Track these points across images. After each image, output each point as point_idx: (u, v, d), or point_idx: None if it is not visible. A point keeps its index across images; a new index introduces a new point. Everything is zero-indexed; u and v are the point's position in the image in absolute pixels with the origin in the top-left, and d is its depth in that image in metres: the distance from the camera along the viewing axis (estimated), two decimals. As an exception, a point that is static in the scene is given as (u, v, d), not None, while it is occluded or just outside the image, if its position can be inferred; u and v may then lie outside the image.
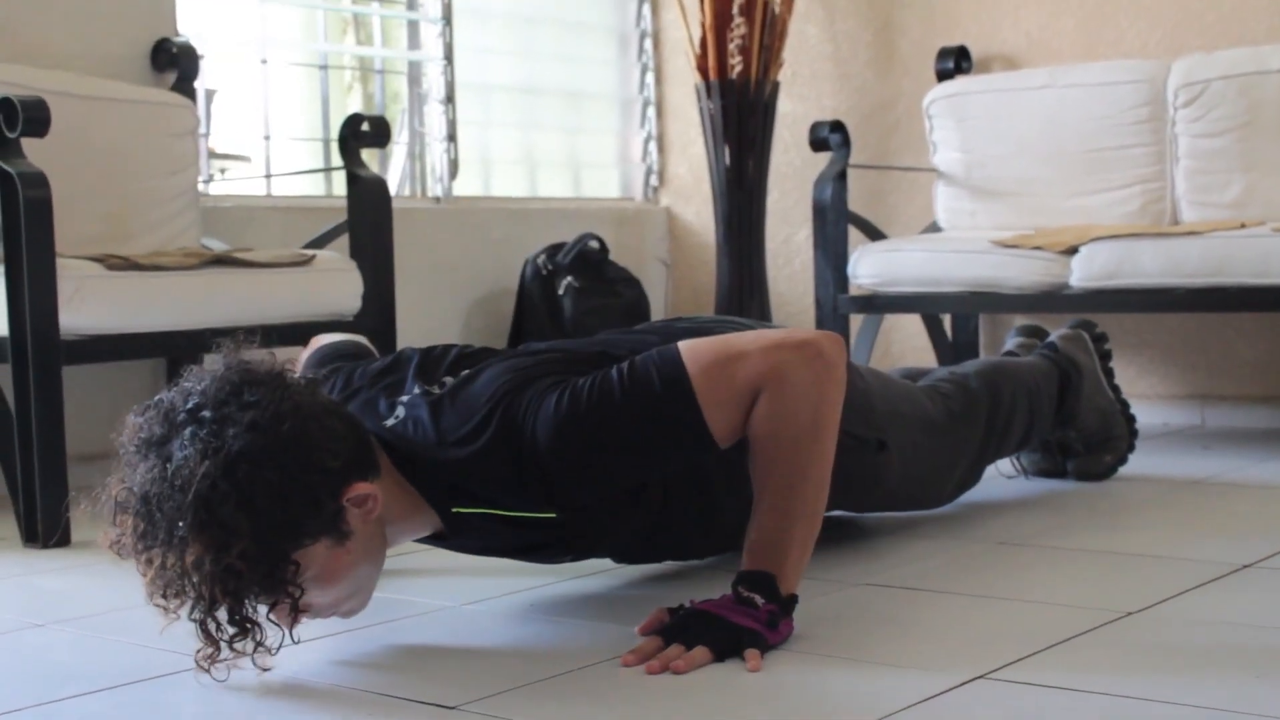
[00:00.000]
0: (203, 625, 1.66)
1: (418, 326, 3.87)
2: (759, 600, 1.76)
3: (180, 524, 1.62)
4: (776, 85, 4.34)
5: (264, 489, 1.64)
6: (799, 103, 4.54)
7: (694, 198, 4.83)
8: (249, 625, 1.67)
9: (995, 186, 3.98)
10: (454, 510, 1.85)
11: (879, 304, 3.81)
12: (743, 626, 1.73)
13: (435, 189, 4.32)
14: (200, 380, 1.71)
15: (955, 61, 4.16)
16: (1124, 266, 3.34)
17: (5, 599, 2.22)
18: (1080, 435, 2.91)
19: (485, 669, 1.76)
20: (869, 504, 2.45)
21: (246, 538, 1.62)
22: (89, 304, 2.68)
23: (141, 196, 3.31)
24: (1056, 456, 2.97)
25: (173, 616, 1.67)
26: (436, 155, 4.31)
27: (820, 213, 3.80)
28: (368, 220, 3.24)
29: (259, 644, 1.69)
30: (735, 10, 4.24)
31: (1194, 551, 2.28)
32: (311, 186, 4.13)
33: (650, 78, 4.90)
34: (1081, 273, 3.40)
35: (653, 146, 4.91)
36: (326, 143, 4.06)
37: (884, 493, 2.39)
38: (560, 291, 4.14)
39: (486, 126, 4.54)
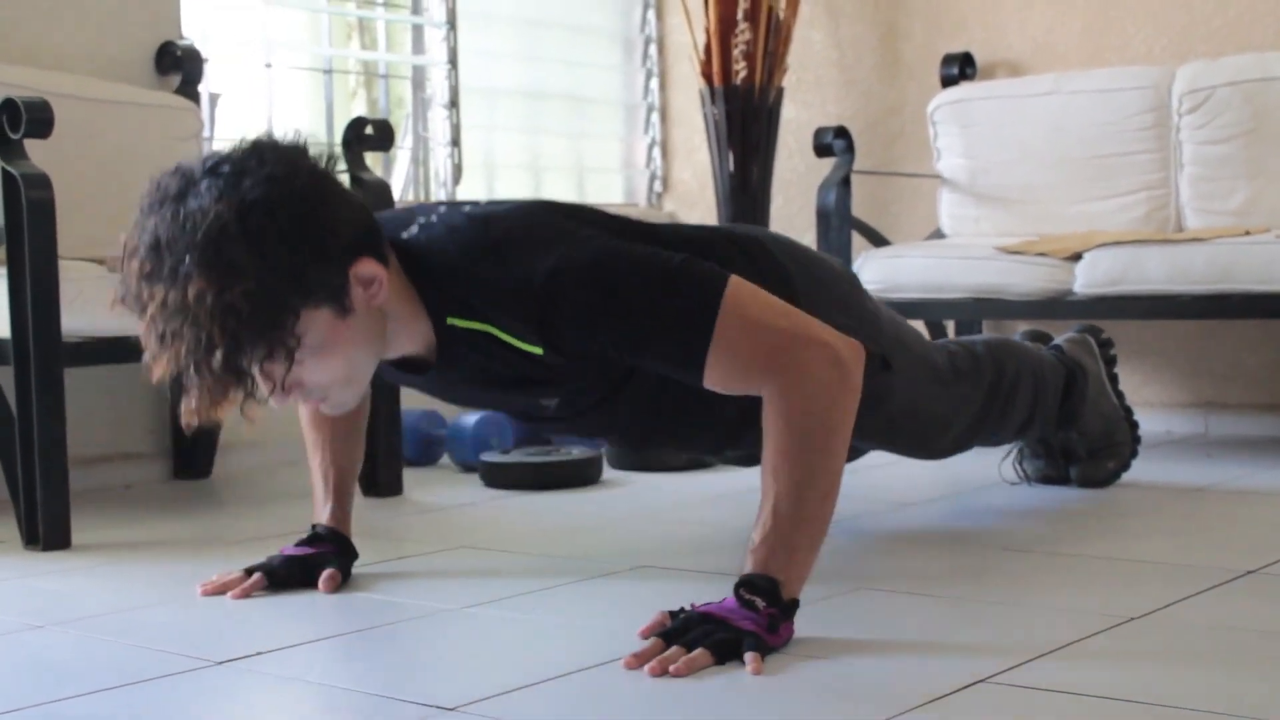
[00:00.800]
0: (196, 369, 1.67)
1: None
2: (760, 604, 1.76)
3: (186, 259, 1.65)
4: (781, 91, 4.33)
5: (274, 236, 1.67)
6: (803, 109, 4.54)
7: (698, 204, 4.82)
8: (241, 374, 1.70)
9: (1000, 193, 3.97)
10: (449, 321, 1.86)
11: (883, 310, 3.79)
12: (743, 630, 1.73)
13: (439, 194, 4.32)
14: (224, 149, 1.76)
15: (960, 68, 4.16)
16: (1128, 273, 3.33)
17: (5, 601, 2.21)
18: (1083, 439, 2.90)
19: (484, 670, 1.75)
20: (869, 429, 2.34)
21: (252, 279, 1.66)
22: (91, 306, 2.68)
23: (145, 199, 3.30)
24: (1059, 462, 2.96)
25: (165, 369, 1.69)
26: (440, 160, 4.31)
27: (824, 218, 3.79)
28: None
29: (249, 394, 1.72)
30: (740, 15, 4.24)
31: (1198, 558, 2.27)
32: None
33: (654, 83, 4.89)
34: (1085, 279, 3.39)
35: (657, 152, 4.91)
36: (330, 147, 4.05)
37: (884, 419, 2.33)
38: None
39: (491, 131, 4.53)
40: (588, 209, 1.98)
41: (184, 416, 1.75)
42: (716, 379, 1.83)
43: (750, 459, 2.29)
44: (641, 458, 3.38)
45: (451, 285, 1.85)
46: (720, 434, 2.20)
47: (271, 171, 1.72)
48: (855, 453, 2.54)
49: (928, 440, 2.54)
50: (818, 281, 2.23)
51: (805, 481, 1.80)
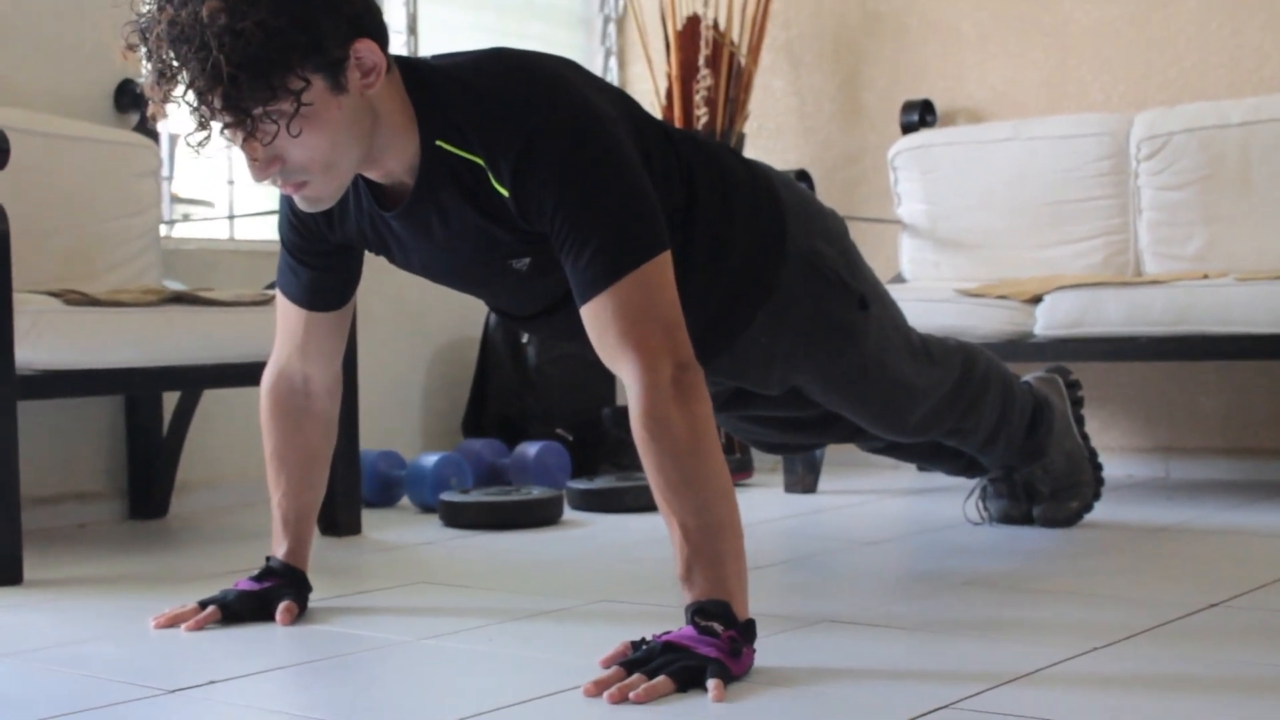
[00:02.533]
0: (199, 99, 1.70)
1: (380, 374, 3.84)
2: (718, 627, 1.74)
3: None
4: (743, 137, 4.35)
5: None
6: (765, 155, 4.55)
7: (659, 250, 4.81)
8: (240, 114, 1.71)
9: (960, 238, 3.99)
10: (438, 143, 1.87)
11: (844, 353, 3.79)
12: (707, 657, 1.70)
13: (400, 236, 4.30)
14: None
15: (920, 115, 4.18)
16: (1088, 315, 3.35)
17: (-48, 633, 2.17)
18: (1047, 477, 2.90)
19: (439, 698, 1.72)
20: (838, 373, 2.35)
21: (265, 10, 1.70)
22: (46, 338, 2.65)
23: (102, 236, 3.28)
24: (1022, 500, 2.95)
25: (161, 105, 1.73)
26: (401, 203, 4.30)
27: (785, 261, 3.79)
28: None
29: (250, 134, 1.73)
30: (701, 62, 4.26)
31: (1161, 592, 2.26)
32: (274, 231, 4.10)
33: (617, 130, 4.89)
34: (1046, 321, 3.40)
35: (618, 198, 4.90)
36: (291, 188, 4.03)
37: (856, 364, 2.32)
38: (524, 339, 4.12)
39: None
40: (614, 88, 2.03)
41: (189, 141, 1.76)
42: (591, 318, 1.84)
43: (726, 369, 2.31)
44: (601, 498, 3.37)
45: (450, 102, 1.88)
46: (702, 316, 2.16)
47: None
48: (819, 433, 2.52)
49: (897, 408, 2.48)
50: (811, 213, 2.28)
51: (697, 488, 1.79)
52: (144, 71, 1.78)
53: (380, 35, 1.84)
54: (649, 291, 1.83)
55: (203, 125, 1.74)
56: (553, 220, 1.85)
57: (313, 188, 1.86)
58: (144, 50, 1.75)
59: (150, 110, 1.80)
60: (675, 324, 1.85)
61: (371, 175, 1.96)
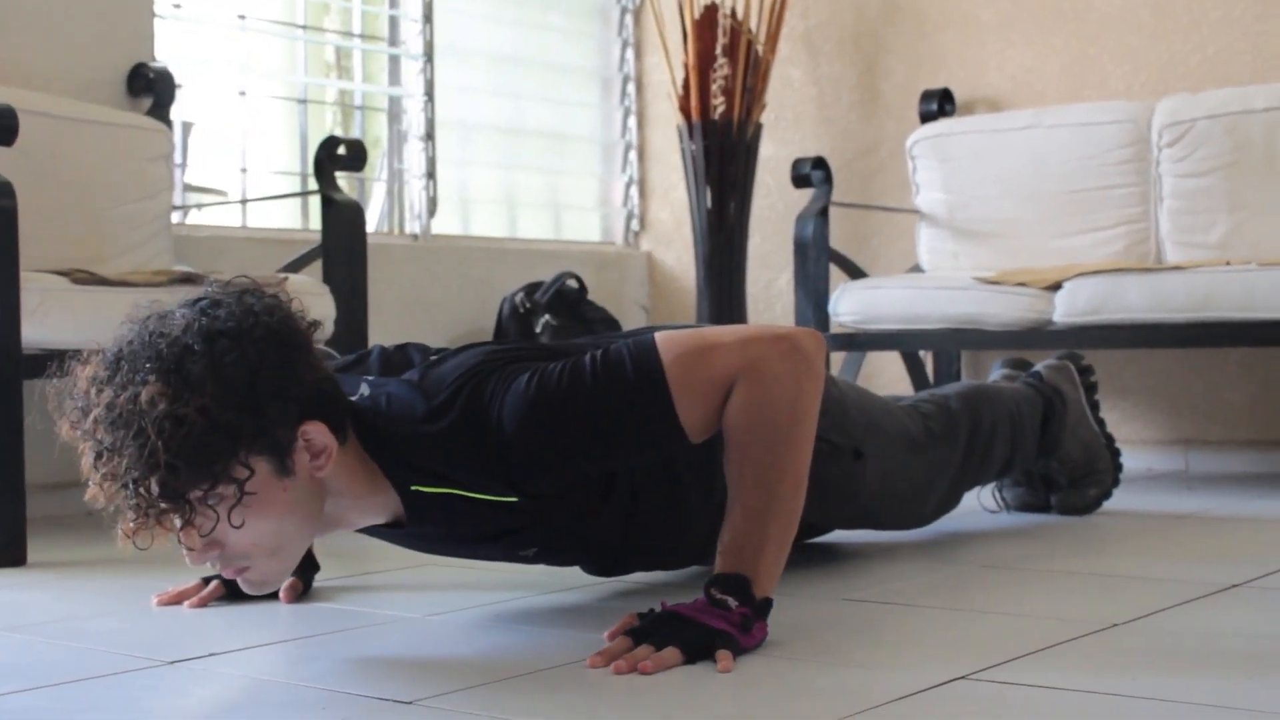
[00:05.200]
0: (134, 487, 1.61)
1: (393, 361, 3.81)
2: (732, 603, 1.70)
3: (147, 364, 1.62)
4: (759, 127, 4.31)
5: (238, 364, 1.64)
6: (782, 146, 4.51)
7: (675, 242, 4.79)
8: (179, 502, 1.63)
9: (979, 228, 3.95)
10: (414, 488, 1.79)
11: (860, 342, 3.76)
12: (714, 628, 1.66)
13: (413, 226, 4.27)
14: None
15: (939, 104, 4.14)
16: (1109, 302, 3.30)
17: (-46, 610, 2.14)
18: (1064, 467, 2.85)
19: (445, 670, 1.69)
20: (845, 517, 2.38)
21: (208, 397, 1.61)
22: (53, 317, 2.62)
23: (113, 220, 3.26)
24: (1040, 490, 2.91)
25: (100, 487, 1.63)
26: (415, 192, 4.27)
27: (801, 249, 3.76)
28: (342, 245, 3.19)
29: (188, 521, 1.65)
30: (719, 51, 4.23)
31: (1181, 573, 2.22)
32: (287, 219, 4.09)
33: (632, 121, 4.87)
34: (1065, 308, 3.36)
35: (634, 191, 4.88)
36: (304, 177, 4.02)
37: (860, 507, 2.32)
38: (538, 329, 4.09)
39: (466, 165, 4.50)
40: (511, 346, 1.88)
41: (119, 540, 1.67)
42: (696, 425, 1.76)
43: None
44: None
45: (410, 455, 1.78)
46: (700, 541, 2.12)
47: (250, 307, 1.69)
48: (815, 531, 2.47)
49: (909, 513, 2.51)
50: None
51: (774, 476, 1.75)
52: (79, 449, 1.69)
53: (332, 413, 1.74)
54: (690, 360, 1.74)
55: (140, 510, 1.64)
56: (595, 465, 1.80)
57: (256, 572, 1.75)
58: (81, 430, 1.67)
59: (91, 496, 1.68)
60: (736, 335, 1.77)
61: (341, 530, 1.89)
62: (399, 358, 1.94)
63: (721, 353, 1.75)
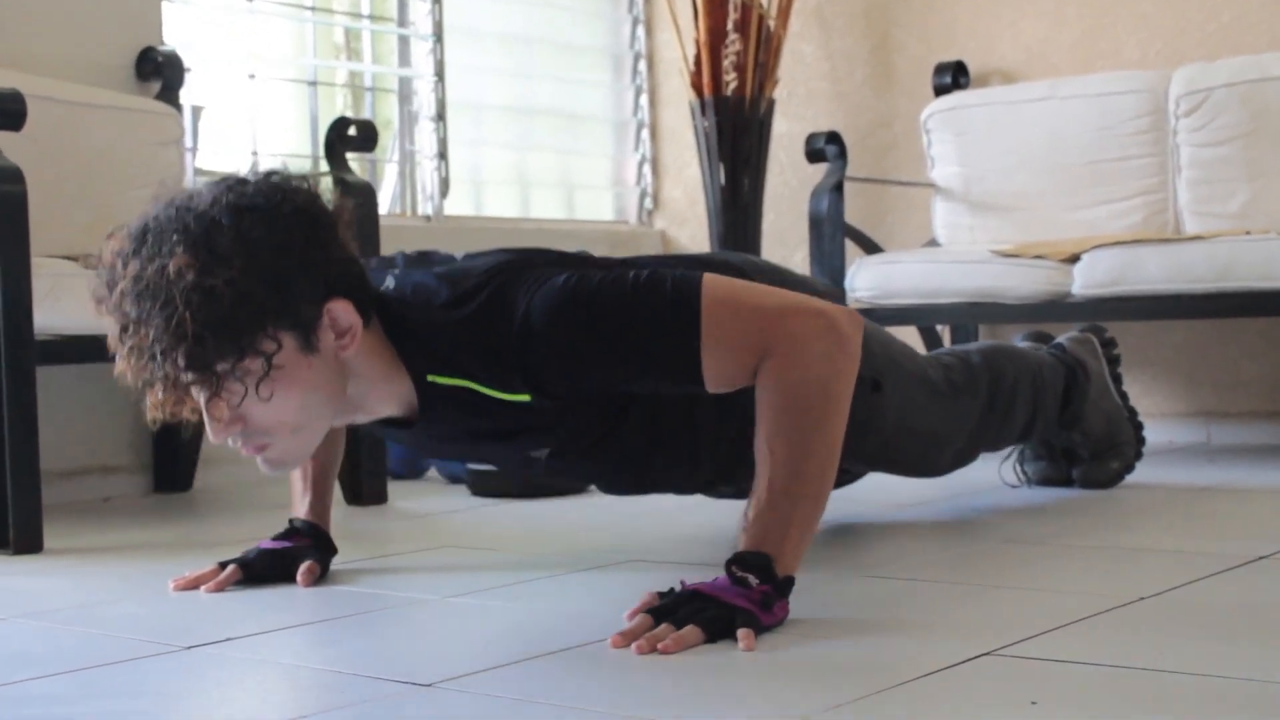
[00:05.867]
0: (162, 358, 1.63)
1: (407, 343, 3.79)
2: (753, 580, 1.67)
3: (174, 237, 1.63)
4: (772, 103, 4.28)
5: (265, 239, 1.65)
6: (795, 122, 4.48)
7: (689, 221, 4.76)
8: (206, 373, 1.65)
9: (994, 201, 3.91)
10: (429, 378, 1.79)
11: (877, 317, 3.71)
12: (736, 606, 1.64)
13: (425, 207, 4.25)
14: None
15: (953, 77, 4.10)
16: (1127, 273, 3.27)
17: (-30, 598, 2.13)
18: (1086, 440, 2.83)
19: (464, 651, 1.68)
20: (862, 453, 2.30)
21: (236, 270, 1.63)
22: (65, 302, 2.60)
23: (124, 205, 3.21)
24: (1061, 464, 2.88)
25: (128, 361, 1.65)
26: (427, 173, 4.25)
27: (816, 225, 3.73)
28: (353, 226, 3.16)
29: (215, 393, 1.66)
30: (730, 26, 4.19)
31: (1206, 546, 2.19)
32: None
33: (644, 100, 4.84)
34: (1084, 280, 3.32)
35: (647, 169, 4.85)
36: (315, 160, 3.99)
37: (878, 443, 2.27)
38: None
39: (478, 146, 4.47)
40: (553, 251, 1.90)
41: (149, 412, 1.69)
42: (716, 376, 1.75)
43: (743, 493, 2.23)
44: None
45: (429, 342, 1.79)
46: (713, 468, 2.11)
47: (279, 185, 1.71)
48: (849, 475, 2.45)
49: (927, 459, 2.47)
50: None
51: (803, 454, 1.72)
52: (107, 324, 1.70)
53: (358, 293, 1.75)
54: (728, 309, 1.73)
55: (166, 383, 1.66)
56: (609, 379, 1.78)
57: (276, 450, 1.77)
58: (107, 304, 1.68)
59: (113, 357, 1.70)
60: (773, 299, 1.75)
61: (359, 420, 1.89)
62: (426, 259, 1.95)
63: (761, 316, 1.74)
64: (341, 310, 1.72)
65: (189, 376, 1.66)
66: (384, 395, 1.84)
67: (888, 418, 2.25)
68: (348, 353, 1.74)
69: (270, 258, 1.66)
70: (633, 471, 2.05)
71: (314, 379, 1.72)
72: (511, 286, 1.75)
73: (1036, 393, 2.64)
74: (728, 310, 1.73)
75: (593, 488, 3.13)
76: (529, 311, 1.72)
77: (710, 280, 1.74)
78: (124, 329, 1.67)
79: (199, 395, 1.70)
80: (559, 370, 1.75)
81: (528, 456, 1.95)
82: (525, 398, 1.78)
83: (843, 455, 2.29)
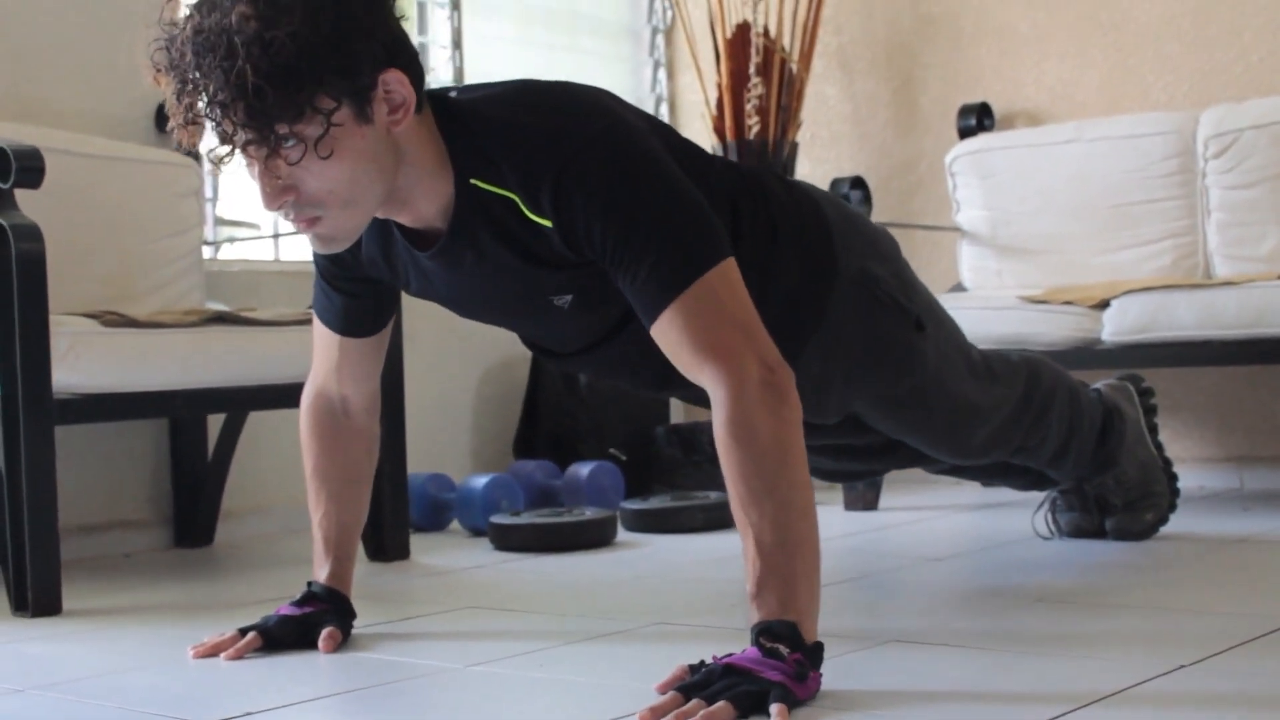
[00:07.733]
0: (222, 110, 1.62)
1: (428, 395, 3.76)
2: (784, 650, 1.63)
3: None
4: (795, 146, 4.25)
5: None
6: (819, 165, 4.45)
7: (712, 264, 4.72)
8: (262, 130, 1.63)
9: (1021, 244, 3.87)
10: (473, 181, 1.79)
11: (904, 364, 3.68)
12: (770, 680, 1.60)
13: (447, 255, 4.22)
14: None
15: (978, 119, 4.07)
16: (1158, 319, 3.22)
17: (-13, 666, 2.10)
18: (1119, 487, 2.77)
19: (490, 728, 1.63)
20: (895, 400, 2.25)
21: (296, 23, 1.63)
22: (84, 361, 2.58)
23: (143, 258, 3.22)
24: (1094, 514, 2.83)
25: (181, 114, 1.65)
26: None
27: (842, 271, 3.68)
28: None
29: (272, 151, 1.65)
30: (752, 70, 4.17)
31: (1247, 605, 2.14)
32: (320, 252, 4.04)
33: (666, 143, 4.81)
34: (1114, 327, 3.28)
35: (669, 213, 4.82)
36: None
37: (915, 388, 2.22)
38: (575, 357, 4.03)
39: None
40: (650, 116, 1.95)
41: (208, 166, 1.74)
42: (662, 337, 1.76)
43: None
44: (656, 519, 3.28)
45: (481, 139, 1.80)
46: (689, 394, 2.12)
47: None
48: (879, 460, 2.42)
49: (960, 431, 2.38)
50: (859, 232, 2.17)
51: (779, 504, 1.69)
52: (166, 87, 1.70)
53: (413, 69, 1.76)
54: (718, 297, 1.74)
55: (224, 140, 1.66)
56: (603, 244, 1.77)
57: (327, 224, 1.76)
58: (167, 62, 1.68)
59: (172, 128, 1.71)
60: (753, 324, 1.76)
61: (401, 219, 1.88)
62: None
63: (729, 327, 1.74)
64: (396, 81, 1.72)
65: (247, 135, 1.64)
66: (429, 191, 1.82)
67: (928, 361, 2.21)
68: (399, 128, 1.74)
69: (332, 15, 1.66)
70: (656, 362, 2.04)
71: (367, 149, 1.72)
72: (592, 106, 1.81)
73: (1073, 412, 2.57)
74: (713, 299, 1.74)
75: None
76: (597, 138, 1.75)
77: (727, 266, 1.76)
78: (182, 87, 1.66)
79: (257, 157, 1.68)
80: (584, 204, 1.74)
81: (550, 301, 1.92)
82: (547, 223, 1.78)
83: (878, 402, 2.27)
